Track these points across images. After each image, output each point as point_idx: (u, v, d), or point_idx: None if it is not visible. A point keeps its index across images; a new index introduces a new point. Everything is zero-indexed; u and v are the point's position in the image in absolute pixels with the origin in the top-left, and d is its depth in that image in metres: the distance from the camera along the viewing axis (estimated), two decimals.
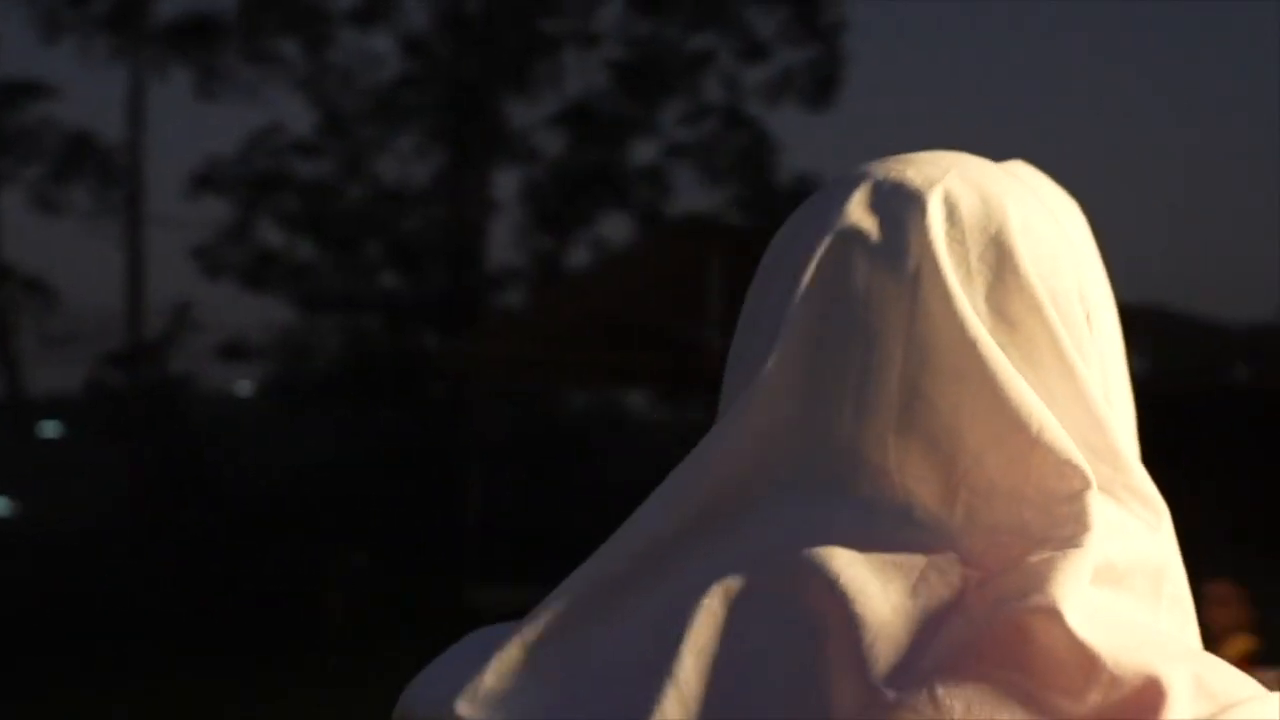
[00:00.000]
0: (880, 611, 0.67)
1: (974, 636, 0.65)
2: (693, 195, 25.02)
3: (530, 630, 0.74)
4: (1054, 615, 0.63)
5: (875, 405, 0.72)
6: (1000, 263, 0.73)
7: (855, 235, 0.75)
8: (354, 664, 10.91)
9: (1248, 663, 4.10)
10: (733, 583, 0.70)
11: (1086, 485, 0.68)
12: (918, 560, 0.69)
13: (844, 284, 0.75)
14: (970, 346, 0.71)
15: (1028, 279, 0.73)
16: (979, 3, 59.95)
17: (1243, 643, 4.13)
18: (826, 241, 0.75)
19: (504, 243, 26.18)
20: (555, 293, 20.37)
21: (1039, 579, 0.65)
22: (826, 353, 0.74)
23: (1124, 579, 0.69)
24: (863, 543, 0.69)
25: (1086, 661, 0.63)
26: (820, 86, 25.86)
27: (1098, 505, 0.68)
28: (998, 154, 0.86)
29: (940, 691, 0.64)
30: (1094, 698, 0.63)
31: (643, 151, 25.69)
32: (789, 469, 0.74)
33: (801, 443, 0.73)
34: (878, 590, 0.67)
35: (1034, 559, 0.66)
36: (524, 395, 22.64)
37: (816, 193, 0.82)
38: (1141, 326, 17.35)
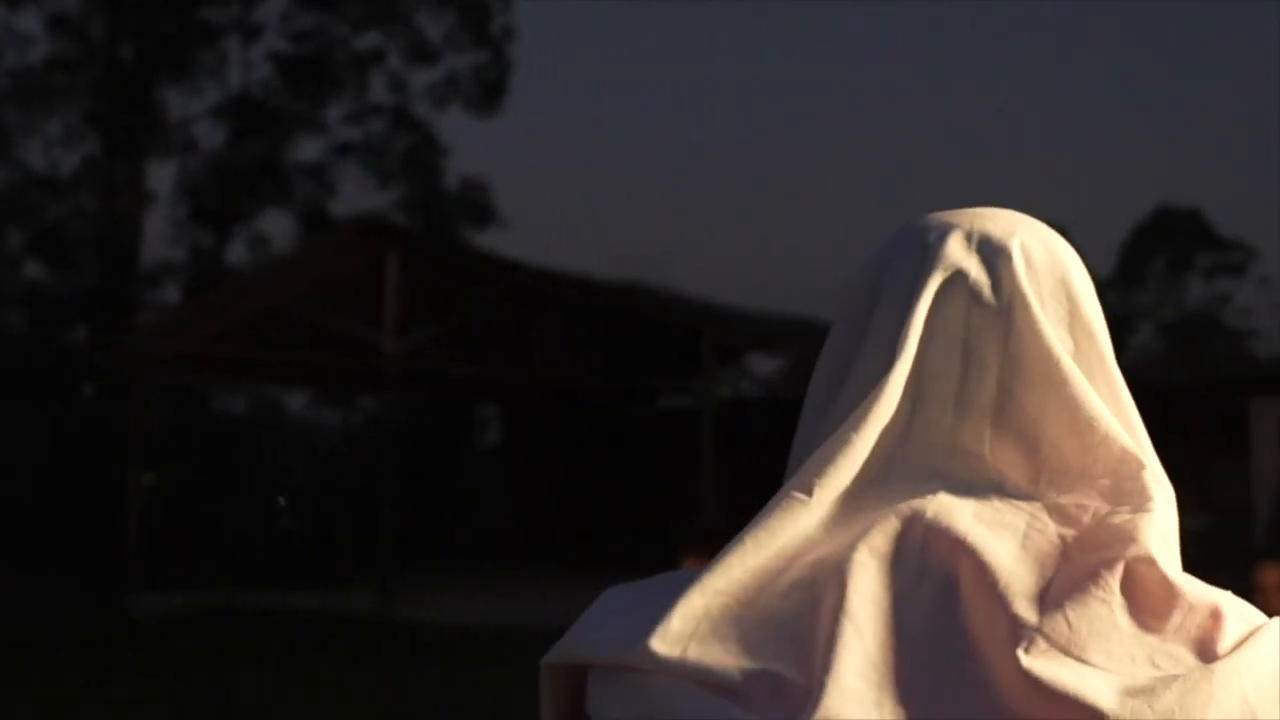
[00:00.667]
0: (1005, 560, 0.83)
1: (1086, 576, 0.82)
2: (358, 195, 24.79)
3: (707, 581, 0.86)
4: (1150, 562, 0.83)
5: (974, 406, 0.91)
6: (1066, 299, 0.95)
7: (958, 274, 0.94)
8: (7, 676, 10.40)
9: None
10: (877, 543, 0.85)
11: (1142, 467, 0.88)
12: (1019, 522, 0.86)
13: (949, 312, 0.93)
14: (1055, 362, 0.91)
15: (1084, 312, 0.95)
16: (643, 13, 61.62)
17: None
18: (936, 279, 0.94)
19: (160, 236, 25.16)
20: (220, 289, 19.83)
21: (1128, 535, 0.84)
22: (933, 366, 0.92)
23: None
24: (973, 510, 0.87)
25: (1172, 595, 0.82)
26: (487, 92, 26.13)
27: (1154, 483, 0.88)
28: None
29: (1071, 616, 0.81)
30: (1176, 620, 0.82)
31: (307, 149, 25.38)
32: (904, 458, 0.90)
33: (914, 438, 0.91)
34: (996, 544, 0.84)
35: (1116, 520, 0.85)
36: (184, 393, 21.90)
37: (900, 238, 1.01)
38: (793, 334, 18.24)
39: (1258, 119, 69.91)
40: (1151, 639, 0.82)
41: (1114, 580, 0.83)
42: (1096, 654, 0.81)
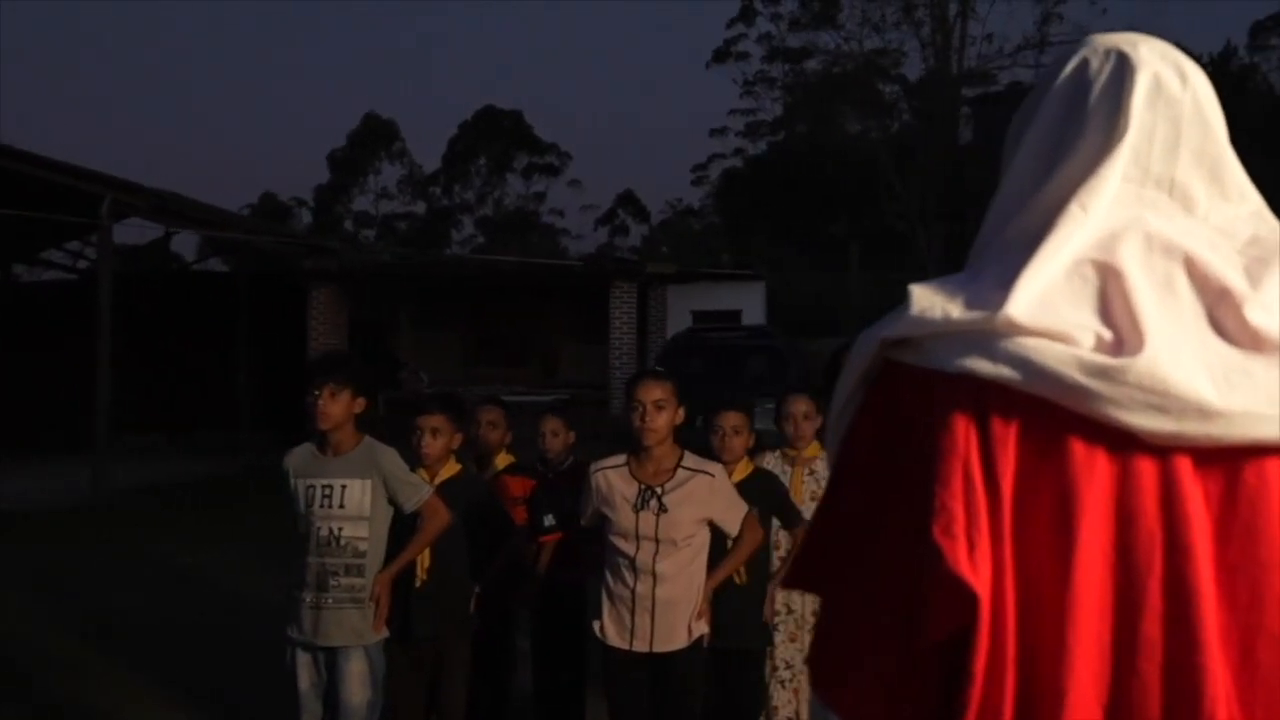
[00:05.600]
0: (1207, 255, 1.23)
1: (1262, 265, 1.24)
2: None
3: (1033, 268, 1.23)
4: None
5: (1173, 163, 1.30)
6: (1209, 99, 1.34)
7: (1157, 74, 1.32)
8: None
9: (509, 473, 5.22)
10: (1131, 249, 1.24)
11: (1263, 206, 1.32)
12: (1203, 234, 1.27)
13: (1156, 98, 1.31)
14: (1220, 139, 1.33)
15: (1218, 107, 1.35)
16: None
17: (506, 458, 5.28)
18: (1143, 76, 1.32)
19: None
20: None
21: (1277, 243, 1.26)
22: (1143, 137, 1.31)
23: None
24: (1177, 227, 1.27)
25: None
26: None
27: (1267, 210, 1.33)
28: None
29: (1264, 291, 1.20)
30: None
31: None
32: (1127, 194, 1.29)
33: (1134, 181, 1.30)
34: (1197, 245, 1.24)
35: (1264, 233, 1.28)
36: None
37: (1094, 51, 1.35)
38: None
39: (569, 29, 74.20)
40: None
41: (1258, 258, 1.27)
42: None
